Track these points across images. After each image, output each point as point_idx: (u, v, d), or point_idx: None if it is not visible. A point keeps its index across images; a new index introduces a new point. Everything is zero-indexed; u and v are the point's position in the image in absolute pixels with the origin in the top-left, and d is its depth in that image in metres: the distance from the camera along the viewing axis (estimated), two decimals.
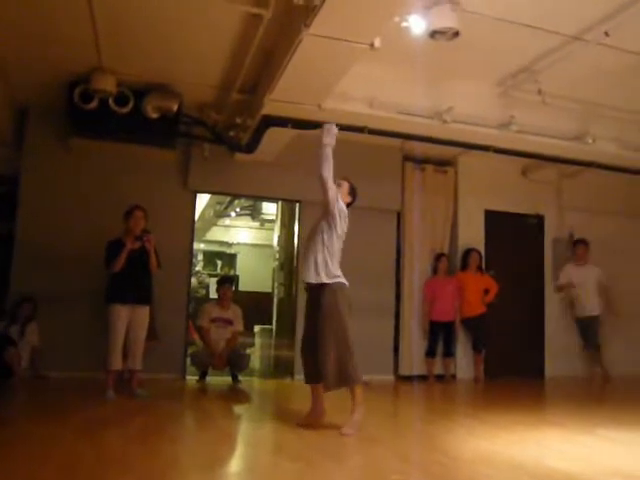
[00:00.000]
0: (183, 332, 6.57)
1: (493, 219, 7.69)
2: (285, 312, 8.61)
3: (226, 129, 6.23)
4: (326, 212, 4.11)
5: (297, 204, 7.29)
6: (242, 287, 13.39)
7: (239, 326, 6.40)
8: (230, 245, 15.19)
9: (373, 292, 6.82)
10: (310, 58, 4.30)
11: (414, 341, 7.19)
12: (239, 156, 6.44)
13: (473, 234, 7.56)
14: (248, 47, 4.83)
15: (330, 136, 4.06)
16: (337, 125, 4.15)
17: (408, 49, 4.84)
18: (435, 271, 7.33)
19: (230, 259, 15.21)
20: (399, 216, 7.42)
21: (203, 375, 6.35)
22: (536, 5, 4.47)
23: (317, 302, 4.04)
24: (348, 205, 4.24)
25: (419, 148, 6.95)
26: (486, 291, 7.28)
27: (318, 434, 3.88)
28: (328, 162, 4.01)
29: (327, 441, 3.74)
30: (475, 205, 7.62)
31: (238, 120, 6.01)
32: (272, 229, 11.59)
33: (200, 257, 14.40)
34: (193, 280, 9.72)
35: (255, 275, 13.75)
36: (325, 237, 4.08)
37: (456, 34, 4.48)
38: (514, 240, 7.84)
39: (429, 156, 7.40)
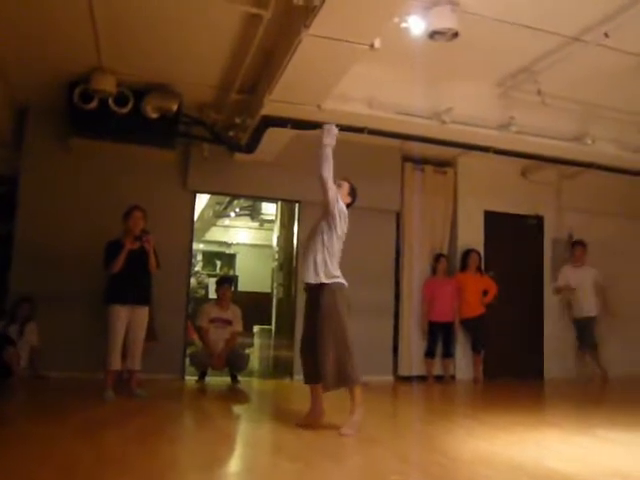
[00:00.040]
0: (182, 332, 6.57)
1: (492, 220, 7.69)
2: (284, 312, 8.62)
3: (226, 129, 6.22)
4: (326, 212, 4.12)
5: (297, 204, 7.28)
6: (241, 287, 13.39)
7: (238, 326, 6.40)
8: (229, 245, 15.19)
9: (372, 292, 6.82)
10: (310, 58, 4.30)
11: (413, 341, 7.19)
12: (238, 156, 6.44)
13: (472, 235, 7.56)
14: (248, 47, 4.83)
15: (330, 136, 4.07)
16: (337, 125, 4.15)
17: (407, 50, 4.85)
18: (434, 271, 7.33)
19: (229, 259, 15.21)
20: (398, 216, 7.42)
21: (202, 375, 6.35)
22: (536, 6, 4.47)
23: (316, 302, 4.04)
24: (348, 206, 4.24)
25: (419, 149, 6.94)
26: (485, 292, 7.28)
27: (317, 434, 3.88)
28: (328, 162, 4.01)
29: (326, 441, 3.74)
30: (474, 206, 7.61)
31: (238, 120, 6.01)
32: (271, 229, 11.60)
33: (199, 257, 14.40)
34: (192, 280, 9.71)
35: (254, 275, 13.73)
36: (325, 237, 4.08)
37: (455, 35, 4.49)
38: (513, 241, 7.84)
39: (429, 157, 7.41)
